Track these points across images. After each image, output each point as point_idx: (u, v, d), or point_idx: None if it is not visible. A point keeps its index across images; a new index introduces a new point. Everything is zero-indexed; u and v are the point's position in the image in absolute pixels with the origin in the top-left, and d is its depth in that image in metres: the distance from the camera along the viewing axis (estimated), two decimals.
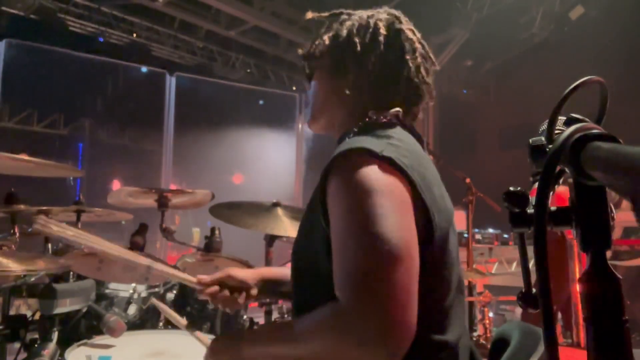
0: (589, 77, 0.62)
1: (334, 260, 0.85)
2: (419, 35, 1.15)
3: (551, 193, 0.54)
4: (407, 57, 1.09)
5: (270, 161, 6.97)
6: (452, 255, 0.99)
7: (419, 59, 1.11)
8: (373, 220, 0.81)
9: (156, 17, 6.67)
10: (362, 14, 1.14)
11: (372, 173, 0.86)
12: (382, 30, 1.08)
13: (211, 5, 6.11)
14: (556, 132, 0.60)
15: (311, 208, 1.00)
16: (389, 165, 0.87)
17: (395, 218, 0.82)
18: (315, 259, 0.96)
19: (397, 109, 1.06)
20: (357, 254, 0.80)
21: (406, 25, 1.14)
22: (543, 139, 0.61)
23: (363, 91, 1.09)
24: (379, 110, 1.06)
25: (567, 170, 0.54)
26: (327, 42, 1.15)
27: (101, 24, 6.40)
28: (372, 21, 1.10)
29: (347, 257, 0.82)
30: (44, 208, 2.09)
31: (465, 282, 3.21)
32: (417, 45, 1.13)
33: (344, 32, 1.11)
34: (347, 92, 1.09)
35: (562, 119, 0.63)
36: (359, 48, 1.08)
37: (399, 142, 0.95)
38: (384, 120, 1.04)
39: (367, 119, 1.05)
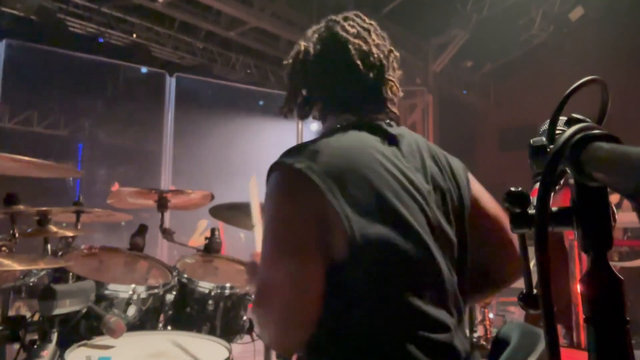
0: (589, 77, 0.62)
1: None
2: (358, 27, 1.17)
3: (552, 194, 0.54)
4: (346, 56, 1.12)
5: (271, 162, 6.96)
6: (402, 255, 0.97)
7: (361, 53, 1.13)
8: (270, 240, 1.00)
9: (156, 18, 6.67)
10: (305, 34, 1.22)
11: (279, 187, 1.01)
12: (312, 47, 1.16)
13: (211, 6, 6.11)
14: (557, 132, 0.60)
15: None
16: (298, 175, 0.96)
17: (285, 237, 0.98)
18: None
19: (349, 116, 1.12)
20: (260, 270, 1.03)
21: (342, 24, 1.17)
22: (544, 139, 0.61)
23: (320, 105, 1.18)
24: (337, 116, 1.15)
25: (568, 170, 0.54)
26: (286, 76, 1.23)
27: (101, 25, 6.41)
28: (301, 42, 1.19)
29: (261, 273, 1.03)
30: (44, 209, 2.09)
31: None
32: (354, 40, 1.14)
33: (289, 61, 1.21)
34: (308, 109, 1.19)
35: (563, 119, 0.63)
36: (297, 70, 1.18)
37: (327, 148, 1.01)
38: (338, 126, 1.10)
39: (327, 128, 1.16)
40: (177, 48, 7.11)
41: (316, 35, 1.18)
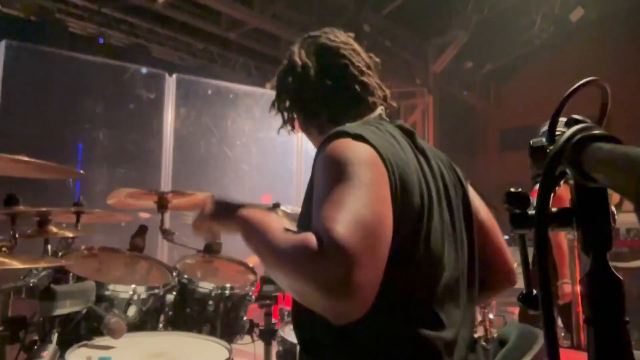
0: (589, 78, 0.62)
1: (314, 208, 0.86)
2: (341, 37, 1.20)
3: (552, 194, 0.54)
4: (343, 60, 1.15)
5: (270, 162, 6.97)
6: (435, 244, 0.97)
7: (350, 63, 1.16)
8: (353, 184, 0.84)
9: (156, 19, 6.68)
10: (291, 52, 1.23)
11: (349, 146, 0.91)
12: (301, 58, 1.17)
13: (211, 7, 6.12)
14: (557, 133, 0.60)
15: (307, 192, 1.01)
16: (363, 142, 0.91)
17: (373, 187, 0.85)
18: None
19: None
20: (336, 207, 0.81)
21: (326, 36, 1.20)
22: (544, 140, 0.61)
23: (317, 113, 1.18)
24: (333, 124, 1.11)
25: (568, 171, 0.54)
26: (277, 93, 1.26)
27: (101, 25, 6.41)
28: (290, 56, 1.20)
29: (324, 209, 0.82)
30: (44, 209, 2.08)
31: None
32: (345, 45, 1.18)
33: (280, 76, 1.24)
34: (306, 119, 1.21)
35: (562, 120, 0.63)
36: (289, 83, 1.20)
37: (377, 131, 1.00)
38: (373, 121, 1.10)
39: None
40: (177, 49, 7.11)
41: (303, 50, 1.20)
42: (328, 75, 1.16)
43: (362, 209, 0.80)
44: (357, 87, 1.15)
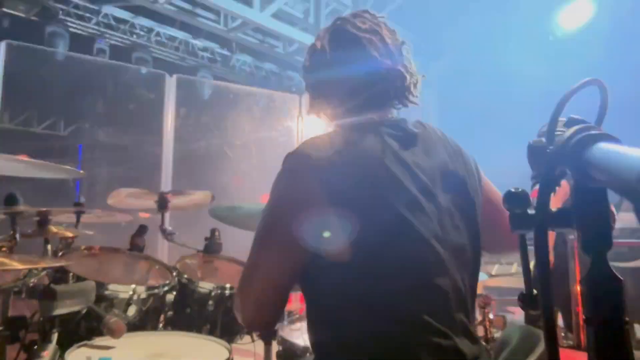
0: (589, 78, 0.62)
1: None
2: (369, 23, 1.18)
3: (552, 194, 0.54)
4: (361, 50, 1.14)
5: (270, 162, 6.97)
6: (407, 255, 0.97)
7: (374, 46, 1.14)
8: (258, 230, 1.04)
9: (156, 19, 6.67)
10: (317, 35, 1.24)
11: (280, 179, 1.06)
12: (321, 40, 1.19)
13: (211, 7, 6.11)
14: (557, 133, 0.60)
15: None
16: (296, 168, 1.02)
17: (272, 232, 1.03)
18: None
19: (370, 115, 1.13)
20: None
21: (352, 21, 1.18)
22: (544, 140, 0.61)
23: (336, 103, 1.18)
24: (348, 115, 1.16)
25: (567, 171, 0.54)
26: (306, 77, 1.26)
27: (101, 26, 6.41)
28: (316, 42, 1.21)
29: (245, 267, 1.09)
30: (44, 209, 2.08)
31: None
32: (366, 35, 1.15)
33: (306, 63, 1.24)
34: (323, 108, 1.22)
35: (562, 120, 0.63)
36: (308, 65, 1.22)
37: (332, 145, 1.02)
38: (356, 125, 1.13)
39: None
40: (177, 49, 7.11)
41: (328, 35, 1.19)
42: (340, 62, 1.16)
43: (257, 285, 1.05)
44: (364, 79, 1.14)
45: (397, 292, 0.96)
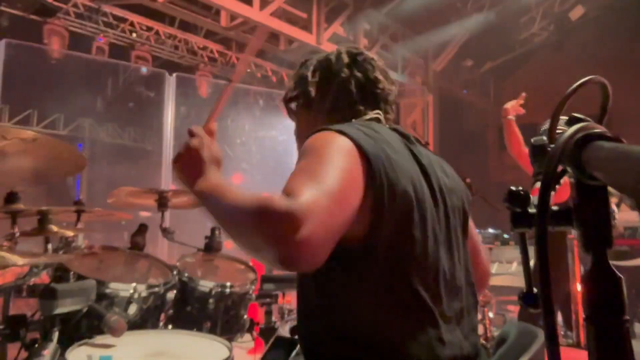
0: (590, 77, 0.62)
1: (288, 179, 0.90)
2: (373, 56, 1.28)
3: (552, 192, 0.54)
4: (371, 75, 1.22)
5: (271, 161, 6.97)
6: (422, 245, 0.97)
7: (377, 72, 1.23)
8: (324, 160, 0.90)
9: (156, 17, 6.67)
10: (320, 55, 1.30)
11: (330, 137, 0.97)
12: (344, 58, 1.24)
13: (211, 5, 6.11)
14: (558, 131, 0.60)
15: None
16: (345, 136, 0.96)
17: (345, 171, 0.89)
18: None
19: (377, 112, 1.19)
20: (305, 175, 0.87)
21: (362, 52, 1.27)
22: (544, 138, 0.61)
23: (336, 110, 1.20)
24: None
25: (568, 169, 0.54)
26: (296, 83, 1.29)
27: (100, 24, 6.41)
28: (330, 56, 1.26)
29: (295, 174, 0.89)
30: (45, 208, 2.09)
31: None
32: (376, 63, 1.25)
33: (309, 71, 1.26)
34: (321, 117, 1.22)
35: (563, 118, 0.63)
36: (319, 79, 1.24)
37: (364, 128, 1.02)
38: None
39: None
40: (177, 47, 7.11)
41: (344, 54, 1.25)
42: (353, 74, 1.21)
43: (330, 181, 0.85)
44: (374, 92, 1.21)
45: (410, 285, 0.97)
